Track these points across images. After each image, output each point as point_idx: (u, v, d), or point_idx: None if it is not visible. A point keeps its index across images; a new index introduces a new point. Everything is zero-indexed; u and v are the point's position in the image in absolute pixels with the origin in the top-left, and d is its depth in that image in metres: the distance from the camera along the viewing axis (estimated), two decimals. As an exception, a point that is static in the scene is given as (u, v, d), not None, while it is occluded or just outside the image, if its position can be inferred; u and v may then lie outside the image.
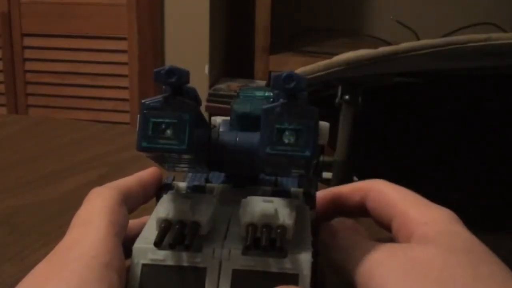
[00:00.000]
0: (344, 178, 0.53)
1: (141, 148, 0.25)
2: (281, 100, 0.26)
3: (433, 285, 0.24)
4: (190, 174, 0.33)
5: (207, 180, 0.33)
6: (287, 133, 0.25)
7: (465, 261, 0.25)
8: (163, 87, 0.26)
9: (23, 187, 0.60)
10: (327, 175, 0.60)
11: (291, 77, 0.25)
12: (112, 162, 0.68)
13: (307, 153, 0.25)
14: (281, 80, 0.25)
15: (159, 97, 0.25)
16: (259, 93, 0.32)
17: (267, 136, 0.25)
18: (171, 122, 0.25)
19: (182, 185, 0.32)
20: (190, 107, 0.25)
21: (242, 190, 0.31)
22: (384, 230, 0.31)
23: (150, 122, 0.25)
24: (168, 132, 0.25)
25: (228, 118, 0.32)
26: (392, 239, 0.30)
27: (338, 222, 0.31)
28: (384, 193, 0.30)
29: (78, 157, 0.69)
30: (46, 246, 0.48)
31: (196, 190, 0.31)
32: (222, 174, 0.33)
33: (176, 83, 0.25)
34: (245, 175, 0.32)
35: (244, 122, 0.31)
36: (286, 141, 0.25)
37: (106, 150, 0.72)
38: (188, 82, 0.26)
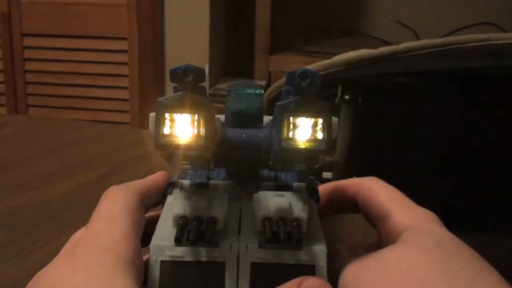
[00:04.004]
0: (344, 178, 0.53)
1: (159, 146, 0.26)
2: (293, 97, 0.26)
3: (404, 285, 0.24)
4: (190, 172, 0.33)
5: (208, 177, 0.33)
6: (302, 128, 0.26)
7: (435, 256, 0.25)
8: (173, 85, 0.27)
9: (23, 187, 0.60)
10: (327, 175, 0.60)
11: (305, 73, 0.25)
12: (112, 162, 0.68)
13: (323, 147, 0.26)
14: (296, 77, 0.25)
15: (175, 95, 0.26)
16: (250, 91, 0.32)
17: (283, 132, 0.26)
18: (189, 120, 0.26)
19: (186, 182, 0.32)
20: (206, 105, 0.26)
21: (245, 186, 0.31)
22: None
23: (167, 120, 0.25)
24: (186, 129, 0.25)
25: (220, 116, 0.33)
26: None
27: (340, 245, 0.31)
28: (374, 192, 0.31)
29: (78, 157, 0.69)
30: (46, 246, 0.48)
31: (200, 188, 0.32)
32: (223, 171, 0.33)
33: (192, 81, 0.25)
34: (248, 171, 0.32)
35: (239, 119, 0.31)
36: (302, 136, 0.26)
37: (106, 150, 0.72)
38: (204, 80, 0.26)
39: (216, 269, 0.26)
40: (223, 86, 1.74)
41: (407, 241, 0.27)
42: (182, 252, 0.26)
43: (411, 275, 0.24)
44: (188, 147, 0.26)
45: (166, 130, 0.26)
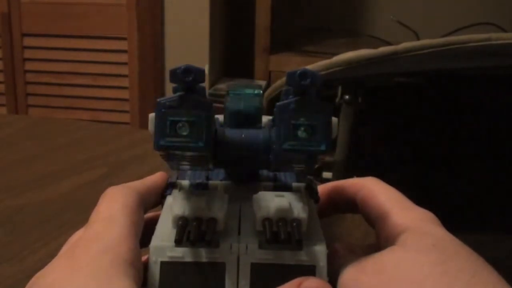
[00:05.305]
0: (344, 178, 0.53)
1: (159, 147, 0.26)
2: (293, 97, 0.26)
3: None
4: (189, 172, 0.33)
5: (207, 178, 0.33)
6: (302, 128, 0.26)
7: (433, 258, 0.25)
8: (173, 86, 0.27)
9: (23, 187, 0.60)
10: (327, 175, 0.60)
11: (306, 73, 0.25)
12: (112, 162, 0.68)
13: (323, 147, 0.26)
14: (296, 77, 0.25)
15: (174, 96, 0.26)
16: (248, 91, 0.32)
17: (283, 132, 0.26)
18: (188, 120, 0.26)
19: (185, 183, 0.32)
20: (206, 105, 0.26)
21: (245, 186, 0.31)
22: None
23: (167, 121, 0.25)
24: (185, 130, 0.25)
25: (219, 116, 0.33)
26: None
27: (338, 244, 0.31)
28: (373, 192, 0.31)
29: (78, 157, 0.69)
30: (46, 246, 0.48)
31: (199, 188, 0.32)
32: (222, 171, 0.33)
33: (192, 81, 0.25)
34: (247, 171, 0.32)
35: (238, 119, 0.31)
36: (302, 136, 0.26)
37: (106, 150, 0.72)
38: (204, 80, 0.26)
39: (216, 270, 0.26)
40: (223, 86, 1.74)
41: (405, 243, 0.26)
42: (182, 253, 0.26)
43: (409, 279, 0.24)
44: (187, 148, 0.26)
45: (166, 130, 0.26)
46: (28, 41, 1.84)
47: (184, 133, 0.26)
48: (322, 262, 0.26)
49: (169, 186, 0.32)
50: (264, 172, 0.33)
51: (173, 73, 0.25)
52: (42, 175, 0.64)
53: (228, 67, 1.93)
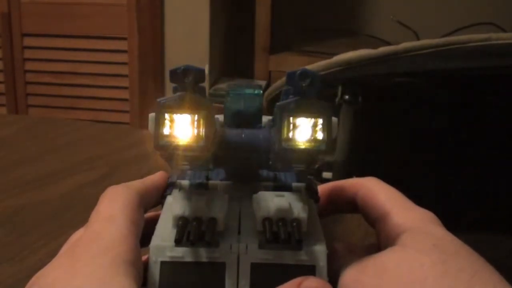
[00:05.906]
0: (344, 178, 0.53)
1: (159, 146, 0.26)
2: (293, 97, 0.26)
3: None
4: (189, 172, 0.33)
5: (207, 178, 0.33)
6: (302, 128, 0.25)
7: (434, 258, 0.25)
8: (173, 86, 0.27)
9: (23, 187, 0.60)
10: (327, 175, 0.60)
11: (306, 73, 0.25)
12: (112, 162, 0.68)
13: (323, 147, 0.26)
14: (296, 77, 0.25)
15: (174, 96, 0.26)
16: (248, 91, 0.32)
17: (283, 132, 0.26)
18: (188, 120, 0.26)
19: (185, 183, 0.32)
20: (206, 105, 0.26)
21: (245, 186, 0.31)
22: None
23: (167, 121, 0.25)
24: (186, 130, 0.25)
25: (219, 116, 0.33)
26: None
27: (338, 244, 0.31)
28: (373, 192, 0.31)
29: (78, 157, 0.69)
30: (46, 246, 0.48)
31: (199, 188, 0.32)
32: (222, 171, 0.33)
33: (192, 81, 0.25)
34: (247, 171, 0.32)
35: (238, 119, 0.31)
36: (302, 136, 0.26)
37: (106, 150, 0.72)
38: (204, 80, 0.26)
39: (216, 270, 0.26)
40: (223, 86, 1.74)
41: (405, 243, 0.26)
42: (182, 253, 0.26)
43: (410, 279, 0.24)
44: (187, 148, 0.26)
45: (166, 130, 0.26)
46: (28, 41, 1.84)
47: (185, 133, 0.26)
48: (322, 262, 0.26)
49: (169, 186, 0.32)
50: (264, 172, 0.33)
51: (173, 73, 0.25)
52: (42, 175, 0.64)
53: (228, 67, 1.93)
